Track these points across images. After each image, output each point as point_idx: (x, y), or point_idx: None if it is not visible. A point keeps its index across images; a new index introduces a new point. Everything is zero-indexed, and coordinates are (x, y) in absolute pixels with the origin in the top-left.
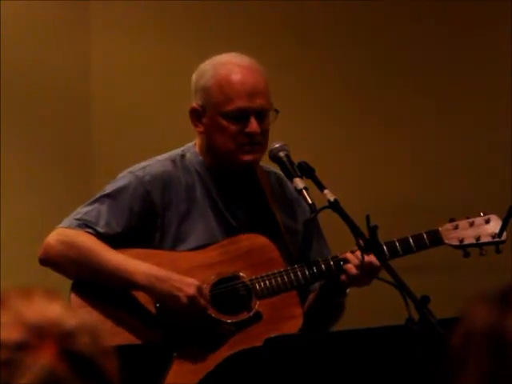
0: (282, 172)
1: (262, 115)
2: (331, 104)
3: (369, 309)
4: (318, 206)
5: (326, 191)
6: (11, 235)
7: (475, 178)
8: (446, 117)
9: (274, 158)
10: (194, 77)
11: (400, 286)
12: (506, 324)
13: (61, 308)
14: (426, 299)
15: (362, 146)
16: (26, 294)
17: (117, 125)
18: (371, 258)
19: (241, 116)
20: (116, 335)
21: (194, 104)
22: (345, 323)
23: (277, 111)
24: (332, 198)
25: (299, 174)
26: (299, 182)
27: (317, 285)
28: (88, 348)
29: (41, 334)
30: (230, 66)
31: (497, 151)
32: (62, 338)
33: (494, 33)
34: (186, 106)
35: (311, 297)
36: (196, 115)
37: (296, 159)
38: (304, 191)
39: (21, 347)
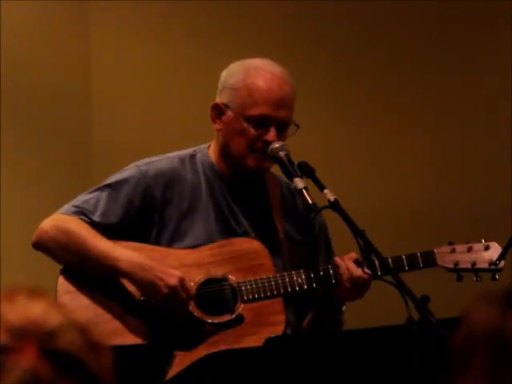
0: (282, 172)
1: (282, 126)
2: (335, 104)
3: (369, 309)
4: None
5: (326, 191)
6: (11, 234)
7: (476, 178)
8: (445, 117)
9: (274, 157)
10: (223, 74)
11: (400, 285)
12: (508, 325)
13: (44, 307)
14: (425, 299)
15: (363, 147)
16: (8, 295)
17: (117, 124)
18: (360, 273)
19: (263, 123)
20: (100, 324)
21: (218, 100)
22: (345, 323)
23: (297, 126)
24: (332, 198)
25: (299, 173)
26: (299, 182)
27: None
28: (73, 345)
29: (22, 335)
30: (262, 71)
31: (497, 151)
32: (43, 338)
33: (494, 33)
34: (186, 105)
35: (311, 314)
36: (217, 111)
37: (300, 159)
38: (304, 191)
39: (2, 351)
